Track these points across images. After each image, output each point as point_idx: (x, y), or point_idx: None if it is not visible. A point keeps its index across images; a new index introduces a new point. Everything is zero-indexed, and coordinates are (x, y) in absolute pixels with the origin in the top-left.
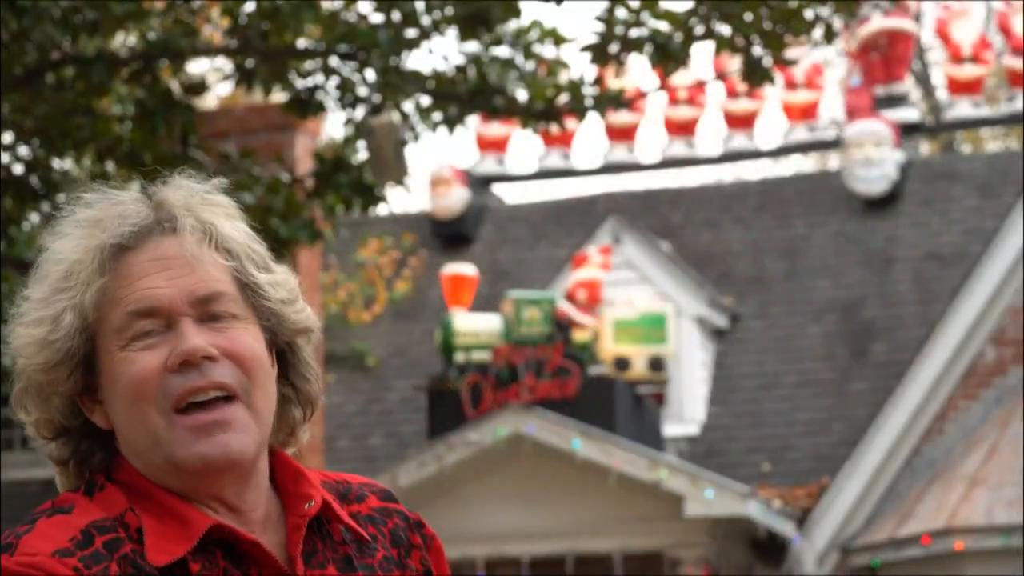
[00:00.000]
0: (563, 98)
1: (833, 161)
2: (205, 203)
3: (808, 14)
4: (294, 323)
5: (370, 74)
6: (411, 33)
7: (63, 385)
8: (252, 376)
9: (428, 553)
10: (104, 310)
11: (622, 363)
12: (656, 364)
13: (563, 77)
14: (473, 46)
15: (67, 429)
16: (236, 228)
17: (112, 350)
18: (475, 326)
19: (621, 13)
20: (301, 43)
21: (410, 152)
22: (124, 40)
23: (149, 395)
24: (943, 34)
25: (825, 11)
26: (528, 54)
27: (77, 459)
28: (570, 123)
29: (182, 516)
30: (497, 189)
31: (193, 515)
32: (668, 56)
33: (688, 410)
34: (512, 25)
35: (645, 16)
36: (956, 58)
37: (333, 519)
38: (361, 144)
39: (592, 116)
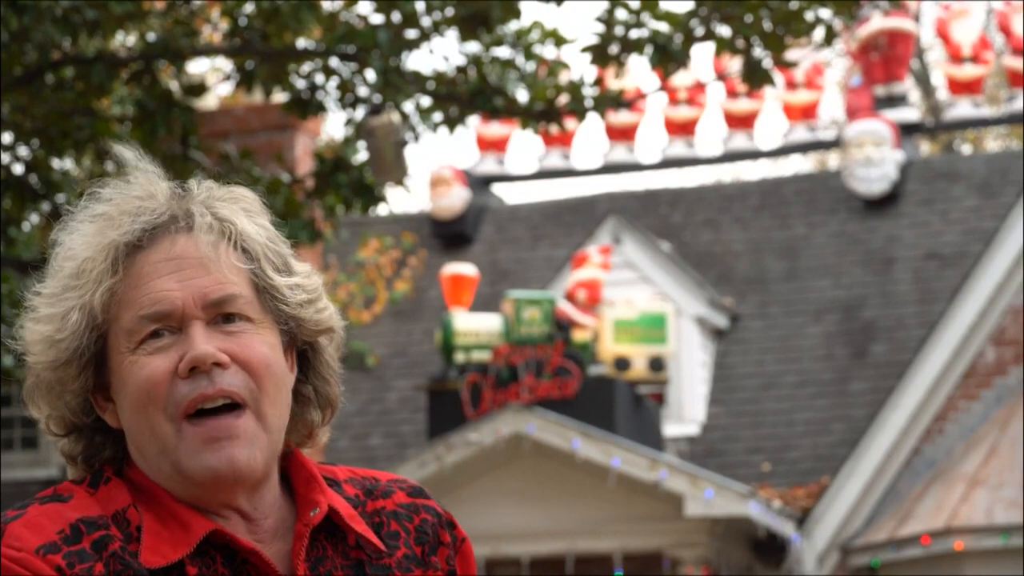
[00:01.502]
0: (563, 99)
1: (833, 161)
2: (226, 199)
3: (808, 16)
4: (315, 323)
5: (370, 74)
6: (411, 34)
7: (72, 383)
8: (262, 384)
9: (456, 555)
10: (115, 311)
11: (622, 363)
12: (656, 364)
13: (563, 78)
14: (474, 47)
15: (78, 426)
16: (257, 226)
17: (122, 352)
18: (475, 326)
19: (621, 14)
20: (301, 44)
21: (410, 152)
22: (124, 40)
23: (158, 401)
24: (943, 34)
25: (825, 13)
26: (528, 55)
27: (87, 455)
28: (570, 123)
29: (183, 519)
30: (497, 189)
31: (194, 519)
32: (668, 57)
33: (688, 410)
34: (513, 26)
35: (645, 17)
36: (956, 58)
37: (344, 526)
38: (361, 144)
39: (592, 116)
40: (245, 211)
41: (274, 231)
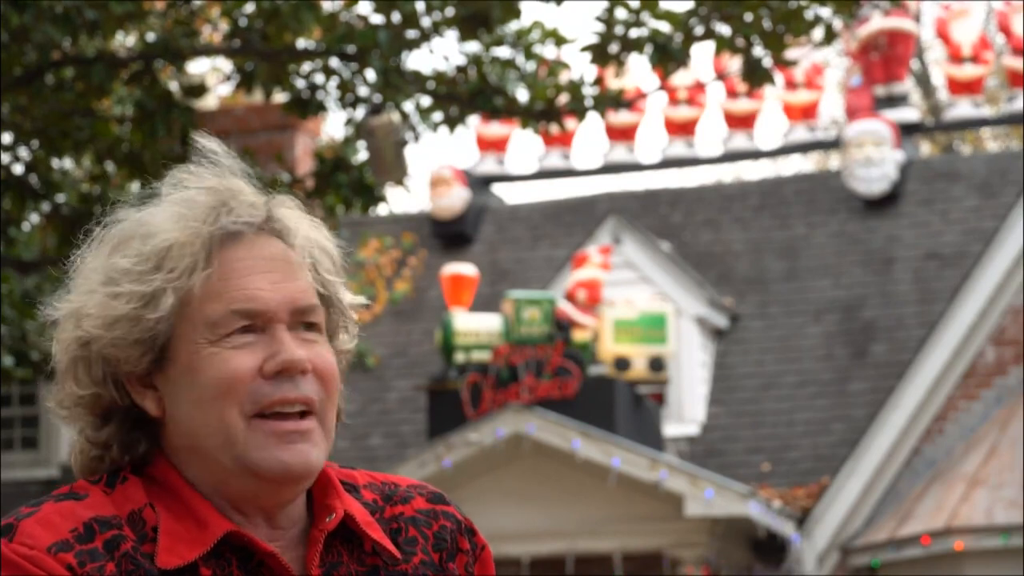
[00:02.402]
0: (563, 98)
1: (833, 161)
2: (306, 214)
3: (808, 15)
4: (347, 344)
5: (370, 74)
6: (411, 34)
7: (131, 364)
8: (330, 394)
9: (476, 562)
10: (200, 300)
11: (622, 363)
12: (656, 364)
13: (563, 77)
14: (474, 46)
15: (112, 411)
16: (333, 248)
17: (199, 342)
18: (475, 326)
19: (621, 14)
20: (301, 44)
21: (410, 152)
22: (124, 40)
23: (237, 396)
24: (943, 34)
25: (825, 12)
26: (529, 54)
27: (122, 441)
28: (570, 123)
29: (202, 519)
30: (497, 189)
31: (213, 519)
32: (668, 56)
33: (688, 410)
34: (513, 26)
35: (645, 16)
36: (956, 58)
37: (358, 532)
38: (361, 144)
39: (592, 116)
40: (325, 236)
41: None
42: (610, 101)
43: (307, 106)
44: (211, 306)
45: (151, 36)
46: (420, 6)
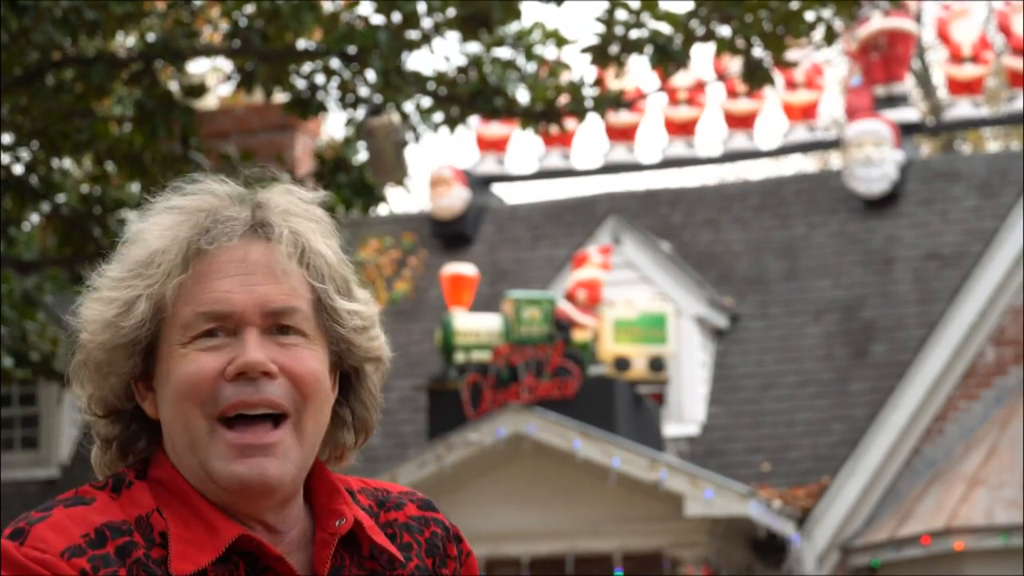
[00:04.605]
0: (563, 99)
1: (833, 161)
2: (303, 216)
3: (808, 16)
4: (365, 350)
5: (371, 75)
6: (412, 35)
7: (121, 367)
8: (307, 398)
9: (462, 568)
10: (177, 304)
11: (622, 363)
12: (656, 364)
13: (564, 78)
14: (474, 47)
15: (118, 410)
16: (328, 248)
17: (173, 344)
18: (475, 326)
19: (621, 14)
20: (301, 44)
21: (410, 152)
22: (124, 41)
23: (199, 397)
24: (943, 34)
25: (826, 13)
26: (529, 55)
27: (122, 440)
28: (570, 123)
29: (211, 522)
30: (497, 189)
31: (222, 523)
32: (668, 57)
33: (688, 410)
34: (514, 27)
35: (645, 17)
36: (956, 58)
37: (363, 537)
38: (361, 144)
39: (592, 117)
40: (321, 231)
41: (342, 254)
42: (610, 102)
43: (307, 106)
44: (184, 309)
45: (151, 36)
46: (421, 7)
